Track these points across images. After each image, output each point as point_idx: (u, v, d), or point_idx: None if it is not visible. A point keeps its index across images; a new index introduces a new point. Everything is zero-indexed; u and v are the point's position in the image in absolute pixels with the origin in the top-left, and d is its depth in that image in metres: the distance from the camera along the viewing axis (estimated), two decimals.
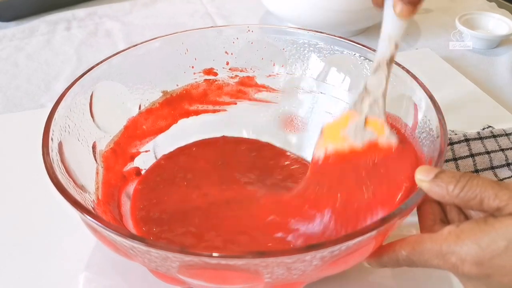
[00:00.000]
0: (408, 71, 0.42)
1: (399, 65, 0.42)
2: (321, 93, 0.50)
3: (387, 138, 0.37)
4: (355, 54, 0.46)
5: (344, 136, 0.38)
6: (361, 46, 0.46)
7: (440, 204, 0.36)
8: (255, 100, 0.52)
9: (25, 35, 0.79)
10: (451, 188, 0.30)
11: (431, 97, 0.39)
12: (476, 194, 0.29)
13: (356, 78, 0.47)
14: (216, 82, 0.51)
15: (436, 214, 0.35)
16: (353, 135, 0.38)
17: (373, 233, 0.29)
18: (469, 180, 0.30)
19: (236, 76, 0.51)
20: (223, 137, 0.52)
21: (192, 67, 0.50)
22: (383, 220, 0.29)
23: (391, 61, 0.37)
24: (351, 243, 0.28)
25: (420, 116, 0.40)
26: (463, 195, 0.30)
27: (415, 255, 0.31)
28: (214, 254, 0.27)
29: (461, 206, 0.33)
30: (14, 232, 0.44)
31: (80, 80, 0.41)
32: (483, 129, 0.50)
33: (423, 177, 0.31)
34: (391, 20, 0.35)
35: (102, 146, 0.43)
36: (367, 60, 0.45)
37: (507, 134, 0.49)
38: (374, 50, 0.45)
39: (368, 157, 0.37)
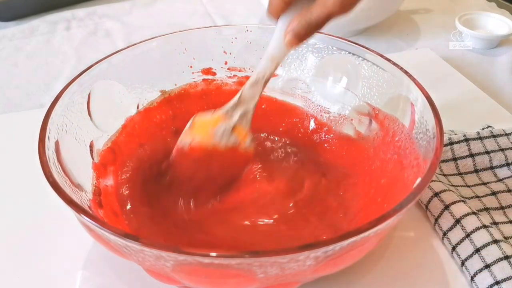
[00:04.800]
0: (405, 71, 0.42)
1: (396, 65, 0.42)
2: (319, 93, 0.50)
3: (246, 147, 0.42)
4: (353, 54, 0.46)
5: (212, 133, 0.41)
6: (358, 46, 0.45)
7: None
8: None
9: (25, 35, 0.79)
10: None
11: (427, 97, 0.38)
12: None
13: (353, 78, 0.47)
14: (215, 82, 0.51)
15: None
16: (219, 136, 0.41)
17: (367, 233, 0.29)
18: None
19: (235, 76, 0.51)
20: None
21: (191, 66, 0.50)
22: (378, 221, 0.29)
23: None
24: (344, 243, 0.28)
25: (417, 116, 0.40)
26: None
27: None
28: (210, 254, 0.27)
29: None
30: (12, 231, 0.44)
31: (77, 79, 0.41)
32: (483, 129, 0.50)
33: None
34: (278, 44, 0.39)
35: (99, 145, 0.43)
36: (365, 60, 0.45)
37: (506, 134, 0.48)
38: (372, 51, 0.45)
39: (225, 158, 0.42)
